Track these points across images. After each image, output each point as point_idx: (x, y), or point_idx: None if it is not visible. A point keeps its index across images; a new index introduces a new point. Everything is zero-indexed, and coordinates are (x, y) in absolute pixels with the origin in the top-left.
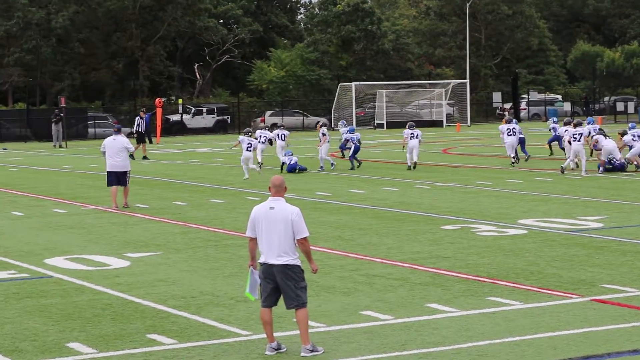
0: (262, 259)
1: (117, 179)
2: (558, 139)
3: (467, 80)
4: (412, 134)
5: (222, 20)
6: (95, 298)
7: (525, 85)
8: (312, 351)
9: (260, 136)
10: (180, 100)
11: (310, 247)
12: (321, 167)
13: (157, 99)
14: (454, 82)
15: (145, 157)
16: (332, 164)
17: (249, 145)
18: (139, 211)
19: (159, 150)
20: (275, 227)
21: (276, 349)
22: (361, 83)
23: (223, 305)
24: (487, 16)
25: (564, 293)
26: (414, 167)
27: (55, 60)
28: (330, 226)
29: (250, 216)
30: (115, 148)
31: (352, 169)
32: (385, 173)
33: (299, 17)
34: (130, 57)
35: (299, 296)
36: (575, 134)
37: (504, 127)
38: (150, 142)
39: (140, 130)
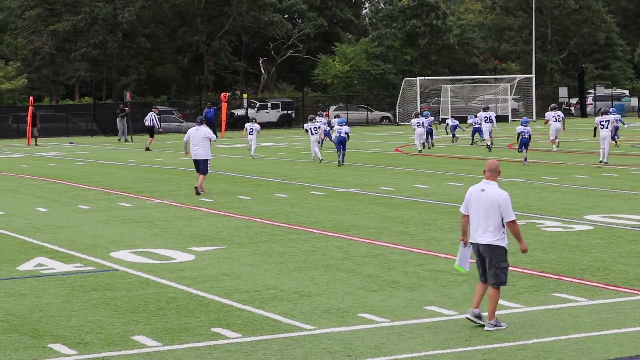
0: (471, 239)
1: (198, 166)
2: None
3: (533, 75)
4: (418, 123)
5: (287, 15)
6: (160, 291)
7: (591, 80)
8: (495, 326)
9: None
10: (245, 95)
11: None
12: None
13: (222, 94)
14: (519, 77)
15: (147, 149)
16: (320, 159)
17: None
18: (203, 205)
19: (223, 145)
20: (483, 208)
21: (476, 316)
22: (426, 78)
23: (287, 300)
24: (553, 10)
25: (631, 290)
26: (420, 152)
27: (121, 55)
28: (394, 221)
29: (466, 195)
30: (198, 138)
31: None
32: (450, 168)
33: (364, 11)
34: (195, 51)
35: (497, 275)
36: (603, 121)
37: (476, 119)
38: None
39: (152, 124)
